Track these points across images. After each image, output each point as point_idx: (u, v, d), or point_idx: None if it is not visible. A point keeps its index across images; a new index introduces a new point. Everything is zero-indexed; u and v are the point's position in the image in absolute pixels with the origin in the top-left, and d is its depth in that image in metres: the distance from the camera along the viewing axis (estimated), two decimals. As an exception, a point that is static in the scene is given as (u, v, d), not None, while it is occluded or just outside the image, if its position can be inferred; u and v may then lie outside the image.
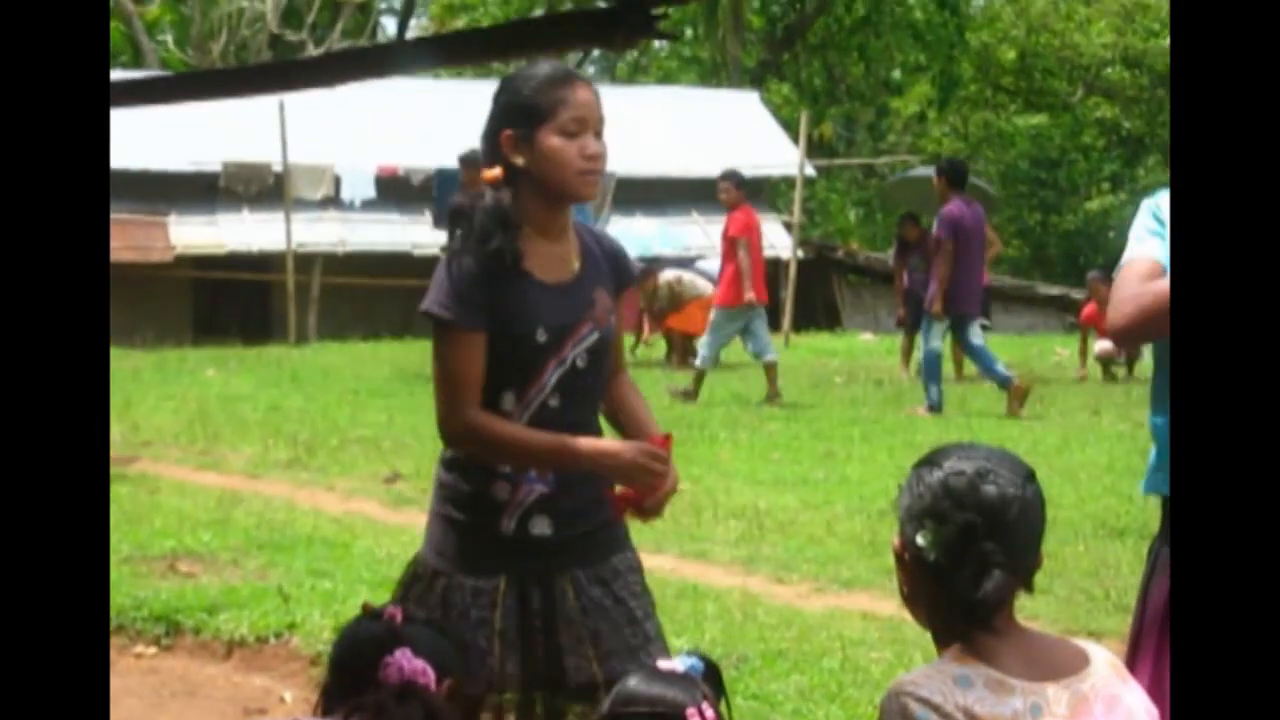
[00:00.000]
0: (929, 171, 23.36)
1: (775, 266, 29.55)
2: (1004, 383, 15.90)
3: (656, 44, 49.59)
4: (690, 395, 16.99)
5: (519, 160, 4.11)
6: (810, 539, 9.73)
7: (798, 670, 6.83)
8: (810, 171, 31.85)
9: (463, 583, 4.08)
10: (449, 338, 4.07)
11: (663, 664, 3.40)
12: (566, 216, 4.23)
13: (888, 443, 13.54)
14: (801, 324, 28.25)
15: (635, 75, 50.35)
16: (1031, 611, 7.61)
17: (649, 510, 4.06)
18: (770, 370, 17.16)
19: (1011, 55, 44.26)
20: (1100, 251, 36.48)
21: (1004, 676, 2.96)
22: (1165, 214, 3.88)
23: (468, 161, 16.08)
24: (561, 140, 4.08)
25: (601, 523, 4.18)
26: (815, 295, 31.92)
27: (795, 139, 28.77)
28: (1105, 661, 3.10)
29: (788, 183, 31.04)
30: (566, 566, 4.13)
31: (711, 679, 3.40)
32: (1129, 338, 3.85)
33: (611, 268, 4.31)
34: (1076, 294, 26.08)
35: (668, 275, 21.67)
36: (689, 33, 46.06)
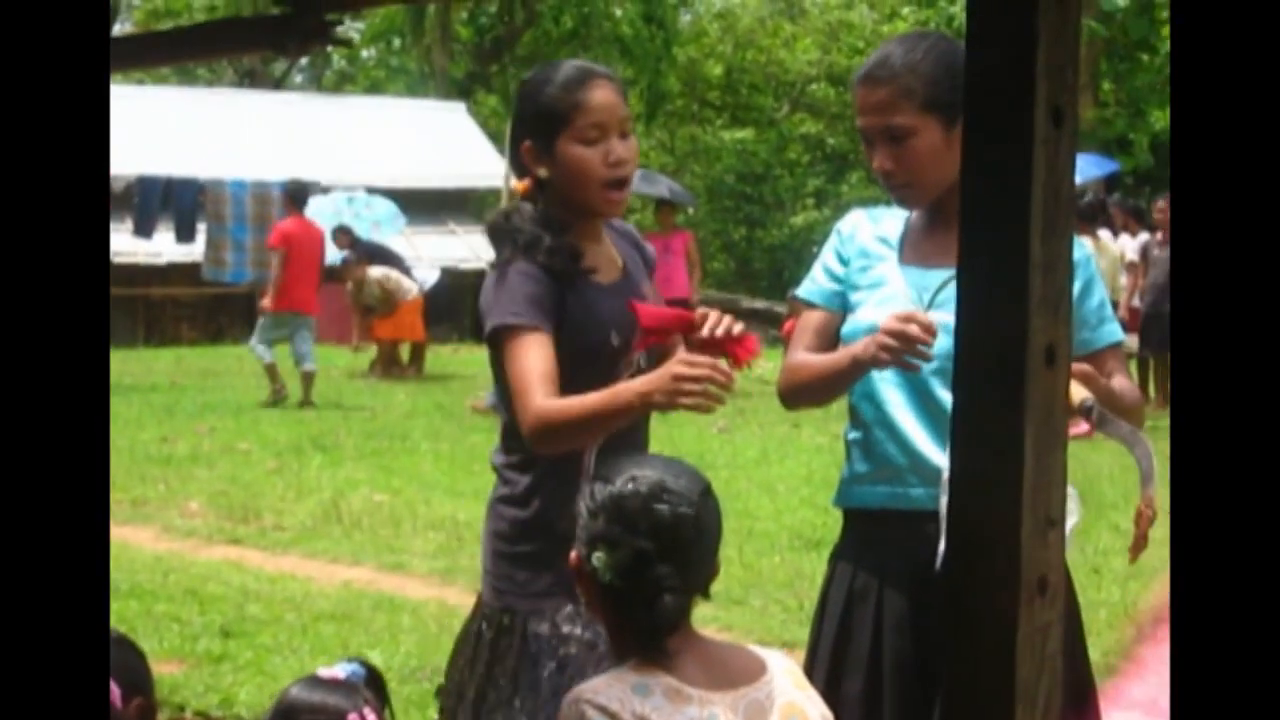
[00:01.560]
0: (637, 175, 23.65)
1: (481, 279, 29.49)
2: None
3: (365, 53, 49.29)
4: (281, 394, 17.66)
5: (542, 172, 3.90)
6: (509, 550, 9.68)
7: (492, 682, 6.78)
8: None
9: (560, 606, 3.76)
10: (518, 340, 3.73)
11: (323, 671, 3.34)
12: (599, 221, 4.00)
13: (589, 454, 13.54)
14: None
15: (342, 85, 49.95)
16: (726, 622, 7.67)
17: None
18: (306, 379, 17.71)
19: (718, 71, 44.80)
20: (804, 266, 36.80)
21: (682, 685, 2.95)
22: (848, 241, 3.93)
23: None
24: (582, 148, 3.85)
25: None
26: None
27: (502, 151, 28.73)
28: (783, 670, 3.12)
29: (494, 194, 31.00)
30: None
31: (374, 686, 3.35)
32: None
33: (639, 254, 4.13)
34: (780, 308, 26.45)
35: (376, 272, 21.47)
36: (395, 42, 45.86)
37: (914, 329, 3.52)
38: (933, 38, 3.78)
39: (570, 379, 3.69)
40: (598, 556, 2.99)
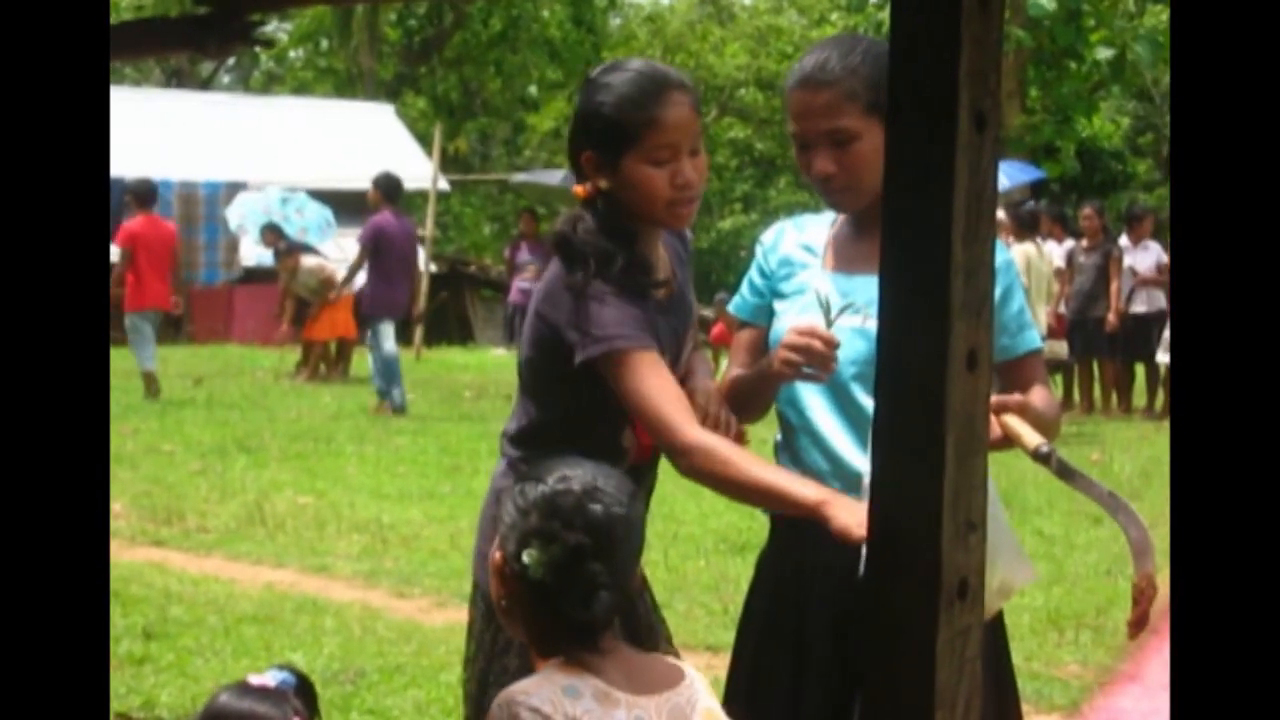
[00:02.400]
0: (560, 175, 23.90)
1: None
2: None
3: (292, 53, 49.11)
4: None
5: (602, 184, 3.68)
6: (433, 553, 9.68)
7: (415, 685, 6.77)
8: (445, 186, 31.83)
9: None
10: (637, 361, 3.52)
11: (253, 679, 3.32)
12: (659, 228, 3.81)
13: (516, 457, 13.53)
14: (434, 338, 28.21)
15: (270, 85, 49.74)
16: (651, 625, 7.67)
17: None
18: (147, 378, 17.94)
19: (646, 75, 44.81)
20: (731, 270, 37.11)
21: (610, 688, 2.96)
22: (770, 251, 3.94)
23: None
24: (650, 169, 3.63)
25: None
26: (448, 309, 31.89)
27: (430, 152, 28.68)
28: (699, 677, 3.15)
29: (422, 196, 30.93)
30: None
31: (304, 694, 3.33)
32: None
33: (681, 242, 3.98)
34: (707, 311, 26.51)
35: (310, 261, 21.38)
36: (323, 44, 45.71)
37: (814, 343, 3.53)
38: (865, 41, 3.76)
39: (609, 400, 3.59)
40: (529, 553, 2.98)
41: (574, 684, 2.95)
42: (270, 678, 3.31)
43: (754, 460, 3.44)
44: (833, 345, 3.52)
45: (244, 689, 3.27)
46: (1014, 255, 16.10)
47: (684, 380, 3.81)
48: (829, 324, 3.59)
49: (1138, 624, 3.54)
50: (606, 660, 3.02)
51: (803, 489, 3.37)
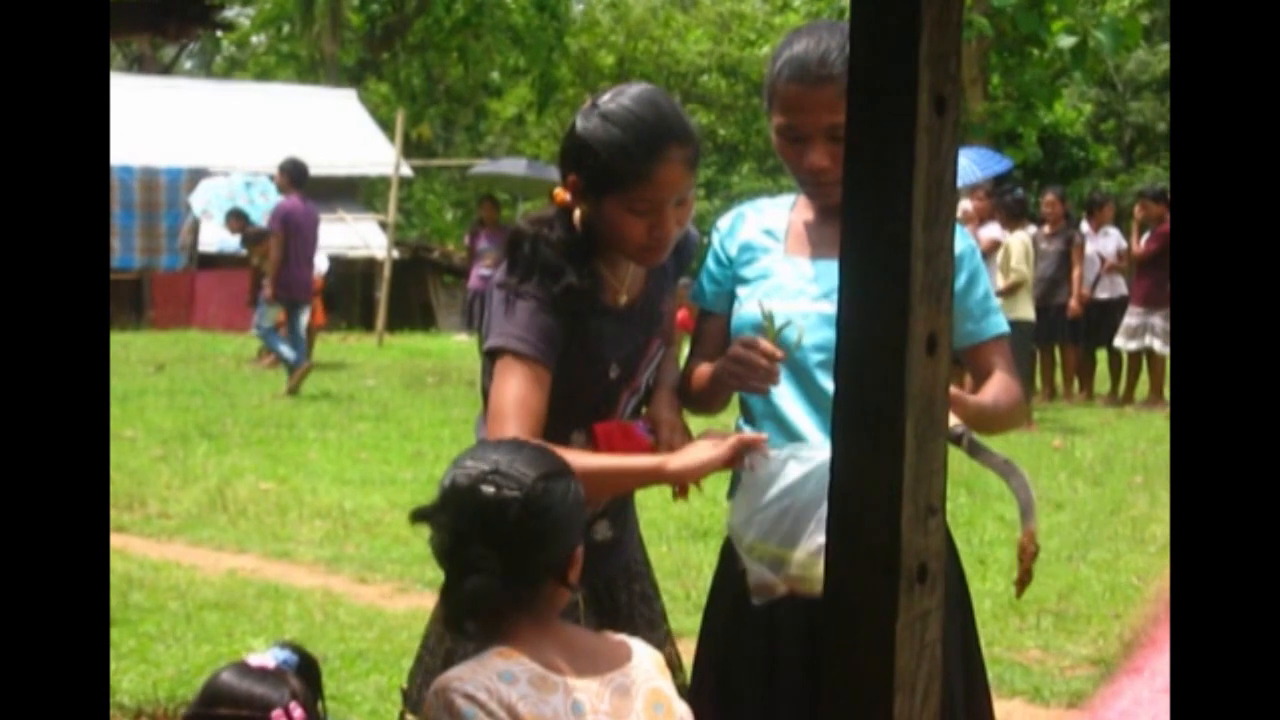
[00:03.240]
0: (523, 164, 23.93)
1: (371, 266, 29.46)
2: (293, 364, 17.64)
3: (255, 39, 48.96)
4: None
5: (582, 207, 3.69)
6: (395, 539, 9.67)
7: (377, 670, 6.77)
8: (407, 171, 31.80)
9: None
10: (521, 371, 3.54)
11: (253, 659, 3.28)
12: None
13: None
14: (396, 324, 28.17)
15: (232, 71, 49.58)
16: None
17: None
18: None
19: (610, 60, 44.80)
20: (693, 256, 37.10)
21: (546, 672, 2.96)
22: (728, 237, 3.93)
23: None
24: (631, 217, 3.61)
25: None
26: (410, 295, 31.86)
27: (393, 138, 28.63)
28: (648, 656, 3.15)
29: (384, 182, 30.88)
30: (618, 564, 3.91)
31: (306, 673, 3.30)
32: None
33: (677, 257, 3.92)
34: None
35: None
36: (285, 29, 45.57)
37: (756, 358, 3.57)
38: None
39: (564, 409, 3.61)
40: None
41: (509, 669, 2.95)
42: (270, 657, 3.27)
43: (580, 453, 3.47)
44: (775, 359, 3.53)
45: (243, 670, 3.23)
46: (1013, 243, 16.26)
47: (653, 394, 3.86)
48: (773, 337, 3.60)
49: (1022, 582, 3.66)
50: (546, 639, 3.02)
51: (638, 460, 3.56)
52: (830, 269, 3.63)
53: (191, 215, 27.64)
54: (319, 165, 24.51)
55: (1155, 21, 38.52)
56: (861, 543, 1.97)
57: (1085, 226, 19.08)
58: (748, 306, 3.79)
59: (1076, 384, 19.11)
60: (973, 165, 17.52)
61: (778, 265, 3.80)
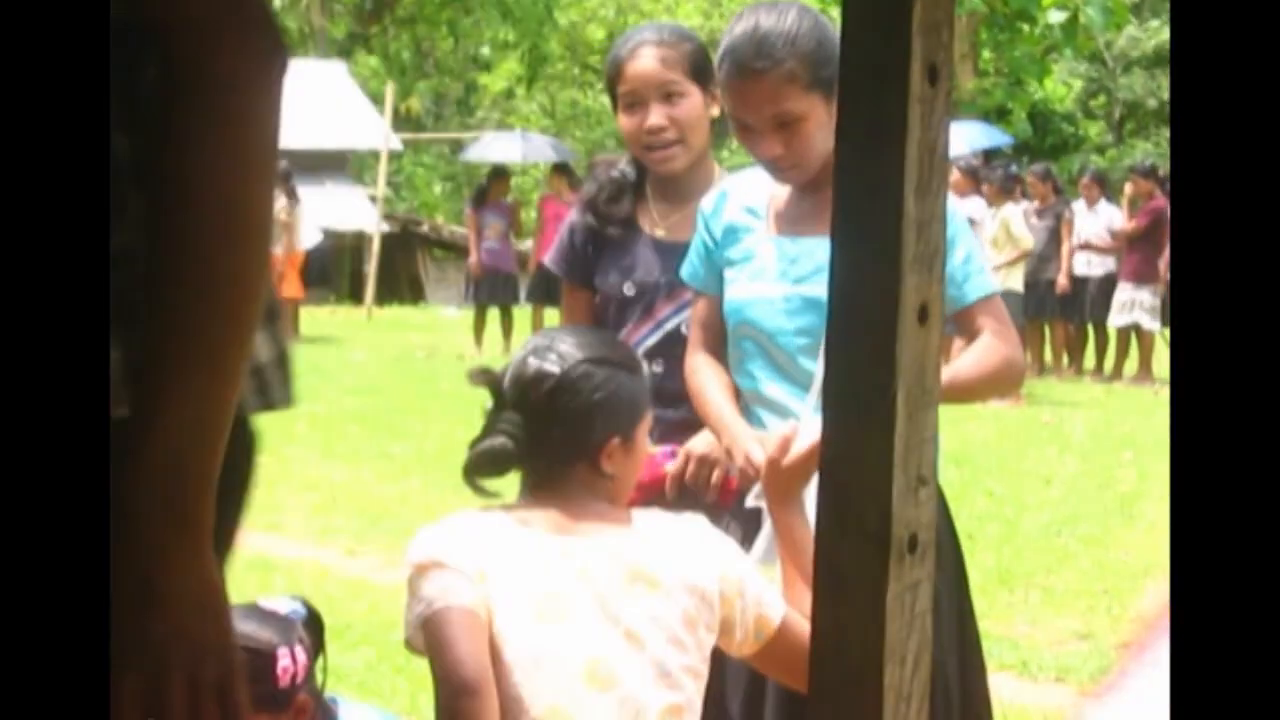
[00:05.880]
0: (515, 144, 23.93)
1: (360, 240, 29.42)
2: None
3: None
4: None
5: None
6: (384, 512, 9.67)
7: (366, 642, 6.76)
8: (397, 145, 31.71)
9: None
10: (561, 291, 4.27)
11: (264, 602, 3.30)
12: (690, 179, 4.10)
13: (466, 416, 13.53)
14: (385, 298, 28.16)
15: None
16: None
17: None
18: None
19: (600, 35, 44.69)
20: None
21: (521, 527, 3.00)
22: (712, 218, 3.88)
23: None
24: (623, 116, 4.04)
25: None
26: (400, 269, 31.81)
27: (382, 111, 28.57)
28: (661, 530, 3.07)
29: (374, 156, 30.82)
30: None
31: (312, 628, 3.32)
32: None
33: None
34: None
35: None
36: (275, 2, 45.42)
37: (708, 482, 3.81)
38: (795, 9, 3.67)
39: (580, 317, 4.11)
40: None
41: (485, 516, 3.05)
42: (282, 604, 3.30)
43: (718, 395, 3.76)
44: (757, 471, 3.46)
45: (252, 610, 3.23)
46: (1012, 216, 16.32)
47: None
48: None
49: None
50: (555, 513, 3.02)
51: (744, 432, 3.63)
52: (813, 247, 3.61)
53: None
54: (308, 138, 24.54)
55: (1145, -2, 38.51)
56: (852, 513, 1.97)
57: (1079, 204, 19.10)
58: (736, 291, 3.76)
59: (1066, 359, 19.14)
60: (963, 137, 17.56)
61: (761, 247, 3.77)
